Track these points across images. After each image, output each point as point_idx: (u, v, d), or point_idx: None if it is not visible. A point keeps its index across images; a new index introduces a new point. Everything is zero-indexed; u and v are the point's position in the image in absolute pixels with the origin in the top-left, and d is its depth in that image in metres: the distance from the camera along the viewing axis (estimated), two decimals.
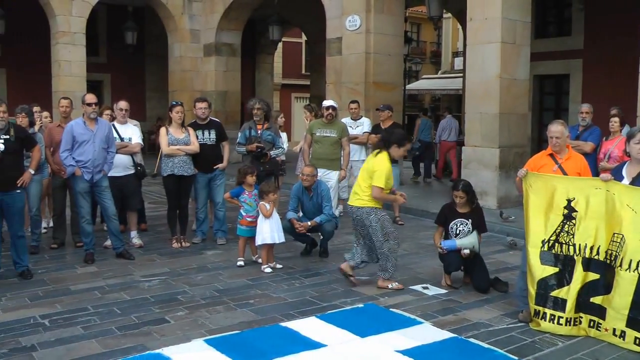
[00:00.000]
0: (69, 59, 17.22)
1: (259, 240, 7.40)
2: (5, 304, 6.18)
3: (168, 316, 5.78)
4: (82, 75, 17.38)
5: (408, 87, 29.63)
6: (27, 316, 5.81)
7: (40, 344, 5.13)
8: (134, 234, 8.66)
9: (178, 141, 8.26)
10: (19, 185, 6.97)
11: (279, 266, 7.49)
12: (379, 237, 6.60)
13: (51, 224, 9.24)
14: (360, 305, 6.20)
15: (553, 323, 5.49)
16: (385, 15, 13.97)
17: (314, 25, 20.63)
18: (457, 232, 6.81)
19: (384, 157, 6.58)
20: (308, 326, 5.54)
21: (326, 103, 9.85)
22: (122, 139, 8.35)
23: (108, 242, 8.32)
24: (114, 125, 8.37)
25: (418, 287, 6.78)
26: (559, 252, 5.54)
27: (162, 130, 8.40)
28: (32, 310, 5.97)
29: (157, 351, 4.93)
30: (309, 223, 7.79)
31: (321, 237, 8.18)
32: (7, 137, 6.88)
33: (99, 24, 21.03)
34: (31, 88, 18.47)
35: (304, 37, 31.27)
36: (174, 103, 8.57)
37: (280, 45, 27.47)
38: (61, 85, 17.07)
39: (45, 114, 9.81)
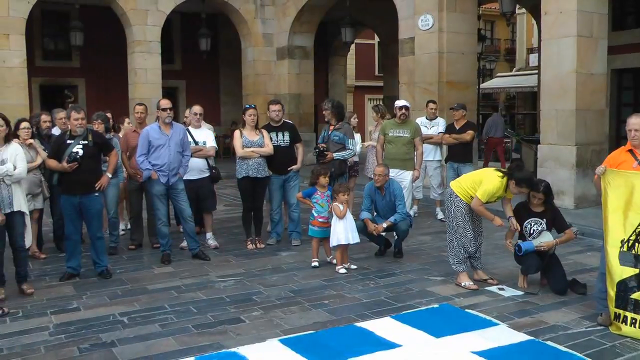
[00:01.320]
0: (145, 67, 17.69)
1: (333, 241, 7.38)
2: (86, 302, 6.40)
3: (243, 316, 5.82)
4: (157, 82, 17.83)
5: (482, 85, 29.12)
6: (106, 314, 5.99)
7: (120, 340, 5.28)
8: (209, 235, 8.78)
9: (252, 143, 8.33)
10: (97, 188, 7.19)
11: (353, 267, 7.44)
12: (450, 225, 6.68)
13: (128, 226, 9.50)
14: (436, 305, 6.10)
15: (635, 327, 5.23)
16: (458, 13, 13.74)
17: (386, 26, 20.51)
18: (531, 231, 6.60)
19: (499, 179, 6.48)
20: (383, 326, 5.48)
21: (399, 103, 9.73)
22: (196, 143, 8.48)
23: (184, 244, 8.48)
24: (188, 130, 8.52)
25: (494, 288, 6.62)
26: (639, 253, 5.28)
27: (237, 133, 8.48)
28: (112, 308, 6.15)
29: (232, 350, 4.97)
30: (384, 224, 7.71)
31: (395, 236, 8.09)
32: (86, 142, 7.12)
33: (173, 32, 21.54)
34: (108, 96, 19.09)
35: (377, 39, 31.17)
36: (247, 106, 8.65)
37: (353, 46, 27.47)
38: (137, 92, 17.55)
39: (127, 120, 10.07)
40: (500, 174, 6.51)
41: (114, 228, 8.54)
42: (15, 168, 6.44)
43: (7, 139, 6.56)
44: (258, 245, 8.59)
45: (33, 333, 5.55)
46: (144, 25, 17.65)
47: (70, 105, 7.33)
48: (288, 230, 8.96)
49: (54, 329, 5.65)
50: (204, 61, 20.62)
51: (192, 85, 22.03)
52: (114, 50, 19.73)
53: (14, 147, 6.59)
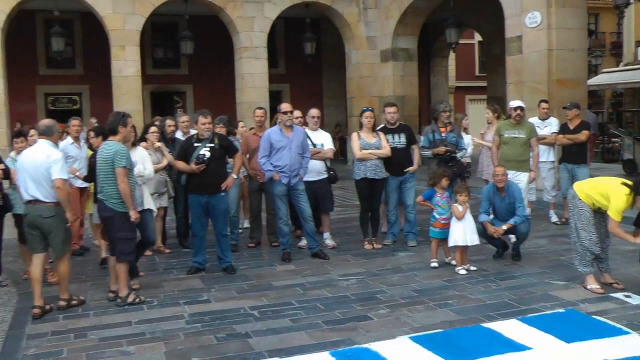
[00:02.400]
0: (252, 72, 18.21)
1: (451, 242, 7.44)
2: (215, 295, 6.76)
3: (370, 313, 5.96)
4: (264, 86, 18.30)
5: (588, 82, 28.12)
6: (237, 307, 6.31)
7: (254, 332, 5.56)
8: (327, 235, 8.97)
9: (370, 145, 8.46)
10: (223, 188, 7.53)
11: (473, 268, 7.44)
12: (574, 228, 6.58)
13: (246, 225, 9.83)
14: (561, 310, 5.99)
15: None
16: (568, 8, 13.33)
17: (490, 25, 20.25)
18: None
19: (626, 196, 6.24)
20: (510, 328, 5.46)
21: (514, 103, 9.62)
22: (314, 145, 8.69)
23: (302, 243, 8.72)
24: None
25: (619, 295, 6.41)
26: None
27: (354, 135, 8.63)
28: (241, 302, 6.46)
29: (364, 346, 5.10)
30: (504, 227, 7.66)
31: (512, 239, 8.02)
32: (212, 145, 7.49)
33: (277, 37, 22.01)
34: (215, 101, 19.73)
35: (477, 38, 30.72)
36: (365, 109, 8.77)
37: None
38: (245, 97, 18.08)
39: (241, 123, 10.43)
40: (627, 191, 6.22)
41: (234, 226, 8.88)
42: (145, 169, 6.87)
43: (134, 144, 6.99)
44: (375, 245, 8.70)
45: (170, 320, 5.96)
46: (251, 32, 18.17)
47: (200, 110, 7.69)
48: (404, 231, 9.02)
49: (189, 317, 6.03)
50: (307, 65, 20.97)
51: (296, 89, 22.46)
52: (220, 56, 20.41)
53: (140, 151, 7.03)
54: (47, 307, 6.39)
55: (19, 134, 7.87)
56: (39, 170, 6.25)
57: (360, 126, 8.71)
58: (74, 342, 5.55)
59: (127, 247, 6.52)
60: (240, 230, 9.49)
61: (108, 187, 6.43)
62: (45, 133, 6.51)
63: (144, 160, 6.93)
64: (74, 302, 6.59)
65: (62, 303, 6.50)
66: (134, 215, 6.43)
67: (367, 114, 8.60)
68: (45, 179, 6.25)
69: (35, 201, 6.30)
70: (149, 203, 7.02)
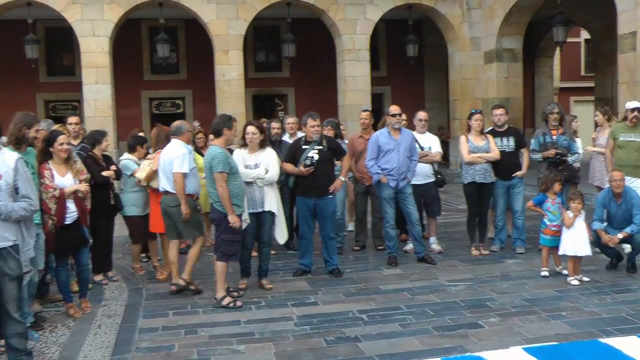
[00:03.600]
0: (354, 75, 18.23)
1: (560, 251, 7.19)
2: (323, 297, 6.80)
3: (481, 321, 5.83)
4: (366, 89, 18.29)
5: None
6: (345, 310, 6.32)
7: (363, 336, 5.54)
8: (433, 239, 8.86)
9: (478, 149, 8.30)
10: (331, 191, 7.55)
11: (585, 279, 7.13)
12: None
13: (349, 228, 9.84)
14: None
15: None
16: None
17: (599, 21, 19.46)
18: None
19: None
20: (631, 345, 5.16)
21: (631, 105, 9.13)
22: (422, 148, 8.59)
23: (408, 247, 8.65)
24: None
25: None
26: None
27: (462, 138, 8.47)
28: (349, 305, 6.46)
29: (477, 354, 5.00)
30: (619, 235, 7.31)
31: (627, 250, 7.64)
32: (321, 147, 7.53)
33: (379, 39, 21.94)
34: (317, 104, 19.81)
35: (583, 36, 29.54)
36: (473, 111, 8.61)
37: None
38: (347, 99, 18.13)
39: (342, 126, 10.42)
40: None
41: (340, 229, 8.89)
42: (267, 172, 6.96)
43: (262, 145, 7.10)
44: (482, 251, 8.52)
45: (279, 322, 6.05)
46: (353, 34, 18.20)
47: (309, 113, 7.75)
48: (512, 238, 8.78)
49: (297, 319, 6.09)
50: (409, 67, 20.81)
51: (398, 91, 22.30)
52: (322, 59, 20.55)
53: (269, 152, 7.13)
54: (188, 286, 7.01)
55: (142, 141, 8.24)
56: (167, 166, 7.03)
57: (468, 129, 8.55)
58: (185, 337, 5.73)
59: (230, 249, 6.67)
60: (344, 234, 9.50)
61: (213, 190, 6.62)
62: (175, 133, 7.17)
63: (269, 162, 7.02)
64: (192, 287, 7.00)
65: (182, 282, 7.00)
66: (232, 219, 6.54)
67: (477, 116, 8.43)
68: (171, 173, 6.97)
69: (166, 192, 7.11)
70: (271, 205, 7.10)
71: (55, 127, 7.52)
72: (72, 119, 8.31)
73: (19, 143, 5.77)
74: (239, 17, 17.48)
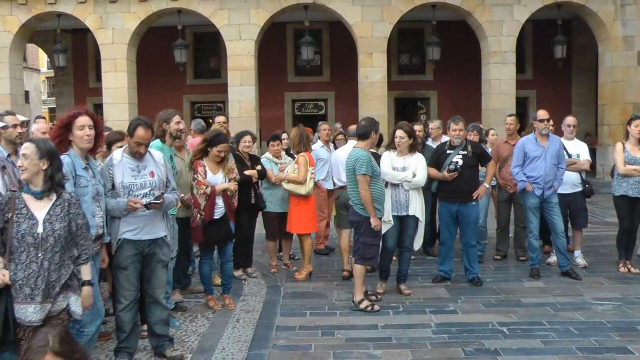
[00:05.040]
0: (499, 78, 17.68)
1: None
2: (462, 306, 6.62)
3: (631, 346, 5.39)
4: (511, 92, 17.69)
5: None
6: (485, 321, 6.11)
7: (503, 350, 5.33)
8: (578, 253, 8.37)
9: (635, 160, 7.74)
10: (474, 198, 7.35)
11: None
12: None
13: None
14: None
15: None
16: None
17: None
18: None
19: None
20: None
21: None
22: (570, 156, 8.15)
23: (551, 259, 8.26)
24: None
25: None
26: None
27: (619, 146, 7.90)
28: (489, 316, 6.25)
29: None
30: None
31: None
32: (465, 152, 7.34)
33: (525, 41, 21.17)
34: (459, 107, 19.45)
35: None
36: (634, 116, 8.02)
37: None
38: (491, 103, 17.63)
39: (492, 131, 10.10)
40: None
41: (481, 237, 8.61)
42: (414, 176, 6.89)
43: (412, 149, 7.04)
44: (632, 269, 7.94)
45: (416, 328, 5.94)
46: (499, 36, 17.67)
47: (453, 117, 7.60)
48: None
49: (435, 327, 5.96)
50: (556, 69, 19.91)
51: (543, 95, 21.40)
52: (466, 62, 20.12)
53: (418, 156, 7.05)
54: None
55: (275, 138, 8.41)
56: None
57: (626, 136, 7.98)
58: (321, 338, 5.77)
59: (369, 252, 6.64)
60: (486, 242, 9.21)
61: (354, 193, 6.61)
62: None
63: (417, 167, 6.96)
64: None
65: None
66: (374, 222, 6.51)
67: (637, 122, 7.83)
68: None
69: (345, 187, 7.21)
70: (416, 210, 7.03)
71: (216, 126, 7.84)
72: (220, 118, 8.66)
73: (162, 138, 6.14)
74: (384, 19, 17.47)
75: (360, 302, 6.57)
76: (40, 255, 3.85)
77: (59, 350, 2.57)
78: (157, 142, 6.11)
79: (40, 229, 3.87)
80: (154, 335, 5.34)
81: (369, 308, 6.51)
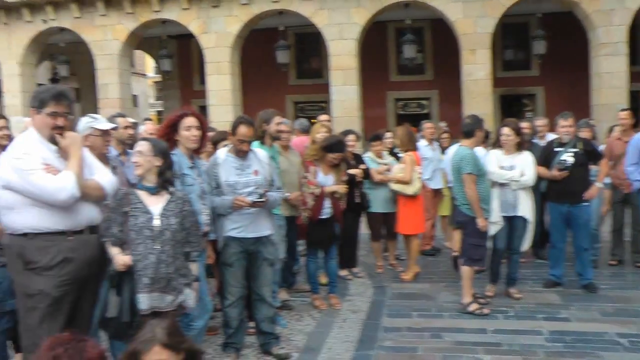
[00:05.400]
0: (610, 71, 16.80)
1: None
2: (575, 314, 6.31)
3: None
4: (623, 86, 16.77)
5: None
6: (601, 330, 5.80)
7: None
8: None
9: None
10: (585, 198, 7.00)
11: None
12: None
13: None
14: None
15: None
16: None
17: None
18: None
19: None
20: None
21: None
22: None
23: None
24: None
25: None
26: None
27: None
28: (606, 326, 5.92)
29: None
30: None
31: None
32: (575, 150, 7.00)
33: (638, 31, 20.07)
34: (568, 103, 18.69)
35: None
36: None
37: None
38: (601, 98, 16.78)
39: (617, 128, 9.58)
40: None
41: (595, 241, 8.19)
42: (522, 175, 6.65)
43: (519, 147, 6.80)
44: None
45: (528, 335, 5.72)
46: (609, 26, 16.78)
47: (562, 113, 7.28)
48: None
49: (548, 335, 5.71)
50: None
51: None
52: (573, 55, 19.27)
53: (526, 155, 6.82)
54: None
55: (377, 137, 8.34)
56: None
57: None
58: (429, 341, 5.68)
59: (476, 254, 6.47)
60: (599, 245, 8.77)
61: (460, 193, 6.44)
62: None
63: (525, 166, 6.73)
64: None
65: None
66: (481, 223, 6.33)
67: None
68: None
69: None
70: (524, 210, 6.78)
71: (317, 125, 7.84)
72: (324, 117, 8.70)
73: (262, 139, 6.20)
74: (487, 14, 16.99)
75: (469, 304, 6.41)
76: (157, 247, 3.99)
77: (167, 342, 2.60)
78: (256, 144, 6.18)
79: (157, 223, 4.02)
80: (261, 332, 5.41)
81: (478, 311, 6.34)
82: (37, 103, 3.85)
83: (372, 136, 8.47)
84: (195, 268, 4.27)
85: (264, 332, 5.41)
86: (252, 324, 5.61)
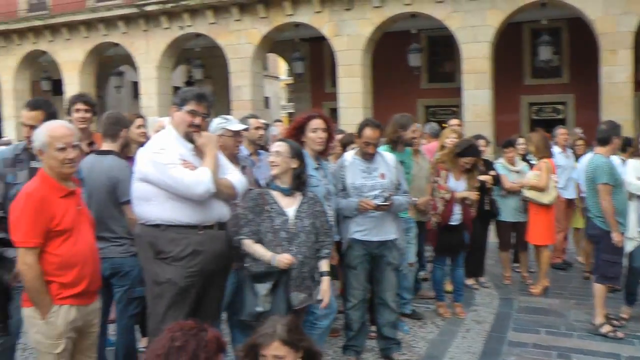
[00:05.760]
0: None
1: None
2: None
3: None
4: None
5: None
6: None
7: None
8: None
9: None
10: None
11: None
12: None
13: None
14: None
15: None
16: None
17: None
18: None
19: None
20: None
21: None
22: None
23: None
24: None
25: None
26: None
27: None
28: None
29: None
30: None
31: None
32: None
33: None
34: None
35: None
36: None
37: None
38: None
39: None
40: None
41: None
42: None
43: None
44: None
45: None
46: None
47: None
48: None
49: None
50: None
51: None
52: None
53: None
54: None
55: (509, 144, 8.09)
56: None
57: None
58: None
59: (610, 271, 6.08)
60: None
61: (594, 204, 6.10)
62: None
63: None
64: None
65: None
66: (616, 237, 5.95)
67: None
68: None
69: None
70: None
71: (447, 130, 7.72)
72: (454, 122, 8.57)
73: (394, 144, 6.12)
74: (630, 11, 15.92)
75: (601, 325, 6.04)
76: (293, 249, 4.07)
77: (286, 339, 2.65)
78: (384, 148, 6.11)
79: (292, 225, 4.10)
80: (382, 337, 5.39)
81: (611, 334, 5.95)
82: (179, 101, 4.03)
83: (504, 142, 8.23)
84: (325, 265, 4.31)
85: (386, 336, 5.38)
86: (373, 327, 5.59)
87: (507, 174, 7.86)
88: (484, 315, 6.69)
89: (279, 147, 4.24)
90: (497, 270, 8.51)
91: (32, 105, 4.44)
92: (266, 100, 27.09)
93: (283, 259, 3.96)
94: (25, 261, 3.38)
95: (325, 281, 4.26)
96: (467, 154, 6.43)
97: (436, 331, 6.16)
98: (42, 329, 3.47)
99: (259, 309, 3.90)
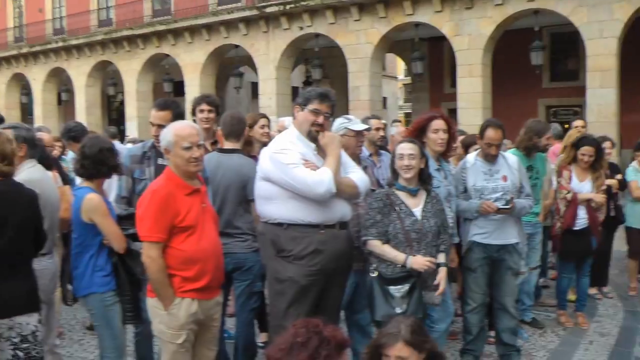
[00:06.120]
0: None
1: None
2: None
3: None
4: None
5: None
6: None
7: None
8: None
9: None
10: None
11: None
12: None
13: None
14: None
15: None
16: None
17: None
18: None
19: None
20: None
21: None
22: None
23: None
24: None
25: None
26: None
27: None
28: None
29: None
30: None
31: None
32: None
33: None
34: None
35: None
36: None
37: None
38: None
39: None
40: None
41: None
42: None
43: None
44: None
45: None
46: None
47: None
48: None
49: None
50: None
51: None
52: None
53: None
54: None
55: None
56: None
57: None
58: None
59: None
60: None
61: None
62: None
63: None
64: None
65: None
66: None
67: None
68: None
69: None
70: None
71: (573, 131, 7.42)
72: (579, 122, 8.24)
73: (527, 150, 5.97)
74: None
75: None
76: (422, 249, 4.09)
77: (410, 340, 2.64)
78: (514, 151, 5.97)
79: (420, 225, 4.12)
80: (501, 343, 5.26)
81: None
82: (302, 100, 4.09)
83: (637, 144, 7.80)
84: (442, 257, 4.28)
85: (505, 343, 5.24)
86: (492, 333, 5.47)
87: (638, 179, 7.43)
88: (608, 327, 6.37)
89: (411, 149, 4.21)
90: (620, 280, 8.11)
91: (161, 106, 4.63)
92: (384, 101, 27.07)
93: (421, 261, 3.98)
94: (149, 254, 3.55)
95: (442, 271, 4.23)
96: (582, 144, 6.16)
97: (557, 341, 5.95)
98: (165, 319, 3.63)
99: (398, 310, 3.92)
